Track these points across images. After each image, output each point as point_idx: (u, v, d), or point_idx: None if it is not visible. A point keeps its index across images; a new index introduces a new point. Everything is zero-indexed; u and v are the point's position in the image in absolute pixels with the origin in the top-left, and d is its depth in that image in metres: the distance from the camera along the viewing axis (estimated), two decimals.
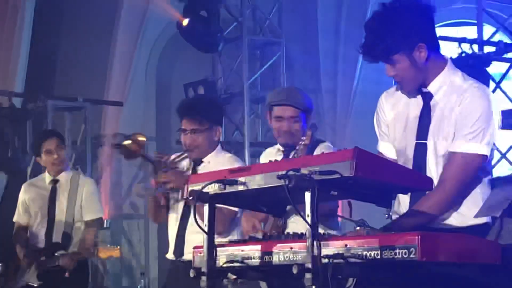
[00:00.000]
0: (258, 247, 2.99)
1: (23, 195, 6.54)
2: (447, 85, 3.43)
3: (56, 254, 6.11)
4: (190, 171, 4.84)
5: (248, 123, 9.51)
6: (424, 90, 3.45)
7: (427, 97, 3.46)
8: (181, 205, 4.85)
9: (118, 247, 7.12)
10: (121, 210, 10.04)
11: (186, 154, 4.88)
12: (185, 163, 4.93)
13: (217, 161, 4.77)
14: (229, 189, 3.08)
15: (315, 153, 4.36)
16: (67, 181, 6.41)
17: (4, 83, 9.83)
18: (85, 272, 6.39)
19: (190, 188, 3.19)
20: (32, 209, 6.43)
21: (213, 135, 4.84)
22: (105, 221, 8.90)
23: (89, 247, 6.32)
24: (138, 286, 5.62)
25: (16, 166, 9.10)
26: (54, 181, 6.42)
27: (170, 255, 4.93)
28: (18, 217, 6.53)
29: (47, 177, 6.46)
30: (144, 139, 4.97)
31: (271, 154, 4.83)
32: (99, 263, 9.42)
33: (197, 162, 4.87)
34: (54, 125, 9.23)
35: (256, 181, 2.99)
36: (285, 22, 10.03)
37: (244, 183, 3.03)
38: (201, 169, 4.78)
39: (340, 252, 2.72)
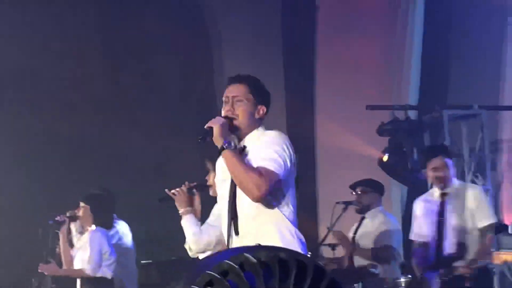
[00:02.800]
0: None
1: (416, 210, 6.87)
2: None
3: (453, 264, 6.31)
4: None
5: None
6: None
7: None
8: None
9: None
10: None
11: None
12: None
13: None
14: None
15: None
16: (454, 192, 6.59)
17: (399, 97, 10.04)
18: (488, 279, 6.49)
19: None
20: (424, 225, 6.69)
21: None
22: (509, 227, 8.71)
23: (486, 253, 6.42)
24: None
25: (416, 178, 9.23)
26: (443, 194, 6.59)
27: None
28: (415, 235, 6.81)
29: (435, 191, 6.70)
30: None
31: None
32: (506, 268, 9.20)
33: None
34: (451, 134, 9.22)
35: None
36: None
37: None
38: None
39: None
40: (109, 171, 9.41)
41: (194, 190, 5.36)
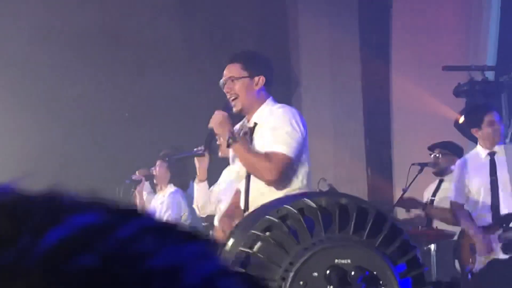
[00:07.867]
0: None
1: (461, 170, 6.73)
2: None
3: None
4: None
5: None
6: None
7: None
8: None
9: None
10: None
11: None
12: None
13: None
14: None
15: None
16: (502, 152, 6.50)
17: (476, 57, 9.86)
18: None
19: None
20: (472, 186, 6.52)
21: None
22: None
23: None
24: None
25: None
26: (491, 154, 6.49)
27: None
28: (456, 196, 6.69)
29: (480, 150, 6.58)
30: None
31: None
32: None
33: None
34: None
35: None
36: None
37: None
38: None
39: None
40: (185, 130, 9.49)
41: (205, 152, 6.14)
